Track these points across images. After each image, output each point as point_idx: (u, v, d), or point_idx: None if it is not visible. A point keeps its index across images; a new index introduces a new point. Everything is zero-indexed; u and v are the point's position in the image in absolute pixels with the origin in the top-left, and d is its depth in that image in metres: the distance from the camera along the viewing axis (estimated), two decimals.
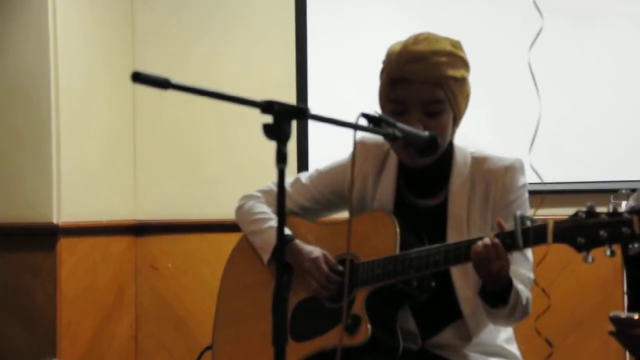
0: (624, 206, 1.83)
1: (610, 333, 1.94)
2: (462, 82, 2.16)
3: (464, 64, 2.16)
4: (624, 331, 1.91)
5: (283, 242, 1.55)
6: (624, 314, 1.93)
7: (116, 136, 4.03)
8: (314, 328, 2.20)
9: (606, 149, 3.35)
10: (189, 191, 4.03)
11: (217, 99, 1.50)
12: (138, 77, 1.38)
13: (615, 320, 1.93)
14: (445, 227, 2.19)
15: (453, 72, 2.12)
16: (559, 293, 3.37)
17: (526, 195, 2.21)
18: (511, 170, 2.18)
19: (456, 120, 2.19)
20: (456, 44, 2.16)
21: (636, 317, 1.91)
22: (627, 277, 2.18)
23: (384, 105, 2.19)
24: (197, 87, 1.46)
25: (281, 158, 1.53)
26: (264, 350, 1.59)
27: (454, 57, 2.13)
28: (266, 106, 1.53)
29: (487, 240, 1.92)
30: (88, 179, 3.83)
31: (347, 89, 3.71)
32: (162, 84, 1.40)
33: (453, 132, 2.21)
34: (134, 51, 4.11)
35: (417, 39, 2.13)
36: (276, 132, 1.53)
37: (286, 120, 1.54)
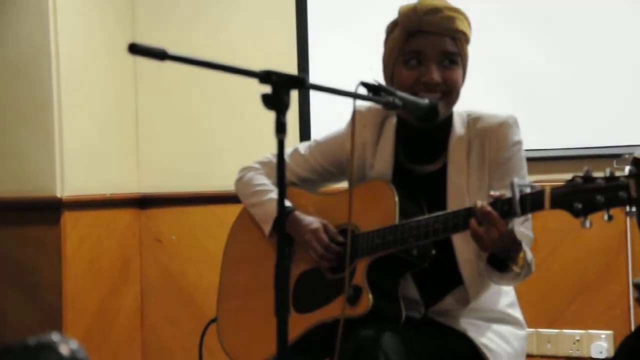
0: (626, 171, 1.81)
1: (637, 299, 1.94)
2: (468, 43, 2.19)
3: (469, 24, 2.19)
4: None
5: (284, 213, 1.55)
6: None
7: (118, 109, 4.03)
8: (316, 299, 2.21)
9: (605, 113, 3.34)
10: (191, 163, 4.04)
11: (215, 70, 1.49)
12: (135, 49, 1.37)
13: (638, 286, 1.92)
14: (445, 194, 2.19)
15: (464, 28, 2.16)
16: (563, 259, 3.37)
17: (522, 152, 2.20)
18: (504, 126, 2.18)
19: (462, 80, 2.20)
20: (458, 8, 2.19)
21: None
22: None
23: (396, 60, 2.19)
24: (194, 58, 1.45)
25: (280, 128, 1.52)
26: (268, 322, 1.60)
27: (463, 15, 2.17)
28: (264, 76, 1.52)
29: (486, 208, 1.90)
30: (91, 152, 3.83)
31: (348, 58, 3.70)
32: (159, 55, 1.39)
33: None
34: (134, 24, 4.10)
35: None
36: (275, 102, 1.52)
37: (285, 90, 1.53)
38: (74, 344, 0.97)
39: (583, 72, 3.38)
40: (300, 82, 1.56)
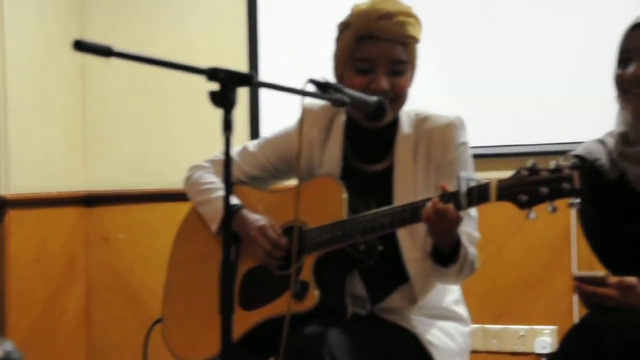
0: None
1: (575, 291, 1.97)
2: (417, 45, 2.21)
3: (420, 26, 2.21)
4: (588, 290, 1.94)
5: (230, 211, 1.56)
6: (589, 273, 1.95)
7: (65, 106, 3.98)
8: (262, 296, 2.21)
9: (552, 111, 3.39)
10: (140, 161, 4.00)
11: (161, 67, 1.49)
12: (80, 45, 1.37)
13: (580, 279, 1.96)
14: (391, 193, 2.21)
15: (415, 33, 2.18)
16: (509, 255, 3.41)
17: (468, 152, 2.23)
18: (451, 127, 2.21)
19: (410, 82, 2.23)
20: (411, 8, 2.21)
21: (601, 274, 1.94)
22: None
23: (346, 63, 2.20)
24: (139, 55, 1.45)
25: (227, 126, 1.54)
26: (213, 320, 1.60)
27: (415, 18, 2.19)
28: (212, 73, 1.53)
29: (439, 203, 1.93)
30: (36, 150, 3.78)
31: (299, 55, 3.70)
32: (104, 52, 1.39)
33: None
34: (85, 21, 4.05)
35: None
36: (222, 99, 1.53)
37: (232, 88, 1.54)
38: (9, 345, 0.96)
39: (530, 70, 3.42)
40: (248, 79, 1.57)
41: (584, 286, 1.95)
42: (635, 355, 1.79)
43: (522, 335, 3.43)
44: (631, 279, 1.93)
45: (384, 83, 2.16)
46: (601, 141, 2.18)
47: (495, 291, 3.45)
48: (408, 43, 2.17)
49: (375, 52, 2.15)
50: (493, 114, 3.47)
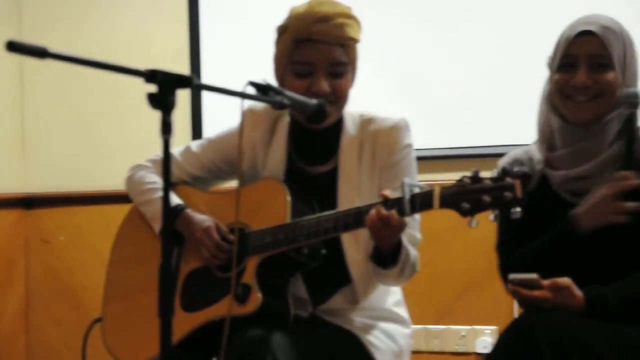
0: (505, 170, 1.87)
1: (511, 293, 2.00)
2: (357, 45, 2.21)
3: (359, 27, 2.21)
4: (523, 293, 1.97)
5: (169, 212, 1.55)
6: (523, 275, 1.98)
7: (3, 108, 3.92)
8: (205, 298, 2.20)
9: (494, 113, 3.43)
10: (80, 163, 3.96)
11: (98, 69, 1.47)
12: (13, 46, 1.35)
13: (515, 281, 1.99)
14: (335, 195, 2.21)
15: (354, 34, 2.17)
16: (451, 257, 3.44)
17: (412, 154, 2.25)
18: (396, 129, 2.22)
19: (352, 82, 2.23)
20: (350, 9, 2.20)
21: (534, 276, 1.97)
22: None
23: (286, 67, 2.20)
24: (76, 57, 1.43)
25: (166, 128, 1.53)
26: (153, 321, 1.58)
27: (354, 19, 2.19)
28: (150, 75, 1.52)
29: (383, 211, 1.94)
30: None
31: (242, 57, 3.68)
32: (39, 53, 1.37)
33: None
34: (22, 21, 3.99)
35: (319, 1, 2.16)
36: (160, 101, 1.52)
37: (171, 90, 1.53)
38: None
39: (473, 73, 3.45)
40: (187, 81, 1.56)
41: (519, 290, 1.98)
42: (567, 352, 1.82)
43: (464, 336, 3.46)
44: (564, 280, 1.96)
45: (324, 86, 2.16)
46: (525, 150, 2.21)
47: (438, 292, 3.47)
48: (347, 45, 2.17)
49: (314, 56, 2.15)
50: (436, 116, 3.49)
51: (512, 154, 2.23)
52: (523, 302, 2.01)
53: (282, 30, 2.21)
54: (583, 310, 1.95)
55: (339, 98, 2.19)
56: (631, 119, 2.03)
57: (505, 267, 2.18)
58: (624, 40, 2.09)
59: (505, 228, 2.19)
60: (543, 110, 2.19)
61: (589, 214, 2.00)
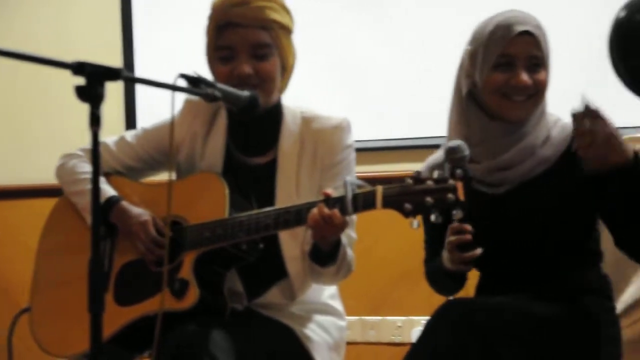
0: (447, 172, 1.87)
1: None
2: (288, 32, 2.21)
3: (287, 13, 2.21)
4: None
5: (98, 207, 1.53)
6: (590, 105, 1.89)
7: None
8: (139, 292, 2.17)
9: (434, 104, 3.45)
10: (7, 156, 3.90)
11: (23, 61, 1.44)
12: None
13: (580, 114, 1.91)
14: (274, 187, 2.21)
15: (278, 17, 2.17)
16: (386, 248, 3.46)
17: (353, 155, 2.26)
18: (338, 130, 2.22)
19: (285, 72, 2.23)
20: None
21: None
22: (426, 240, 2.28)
23: (212, 55, 2.20)
24: (1, 49, 1.39)
25: (95, 121, 1.50)
26: (84, 315, 1.55)
27: (277, 3, 2.19)
28: (77, 67, 1.49)
29: (325, 209, 1.94)
30: None
31: (177, 49, 3.64)
32: None
33: (284, 85, 2.26)
34: None
35: None
36: (88, 94, 1.50)
37: (99, 82, 1.51)
38: None
39: (415, 63, 3.46)
40: (115, 73, 1.54)
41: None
42: (491, 337, 1.87)
43: (400, 326, 3.48)
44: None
45: (246, 68, 2.15)
46: (441, 154, 2.21)
47: (373, 283, 3.49)
48: (271, 27, 2.16)
49: (234, 39, 2.15)
50: (376, 107, 3.50)
51: (429, 160, 2.24)
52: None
53: (208, 19, 2.21)
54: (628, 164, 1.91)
55: (263, 81, 2.17)
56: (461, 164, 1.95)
57: (426, 270, 2.24)
58: (547, 38, 2.12)
59: (430, 227, 2.20)
60: (461, 108, 2.16)
61: (445, 258, 2.02)
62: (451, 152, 1.92)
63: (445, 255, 2.01)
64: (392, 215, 1.93)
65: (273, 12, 2.16)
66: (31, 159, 3.85)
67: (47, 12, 3.87)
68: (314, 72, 3.40)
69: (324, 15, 3.52)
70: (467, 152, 1.93)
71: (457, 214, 1.85)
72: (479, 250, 1.94)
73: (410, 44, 3.47)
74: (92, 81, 1.50)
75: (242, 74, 2.14)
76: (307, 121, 2.24)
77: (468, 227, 1.93)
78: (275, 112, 2.24)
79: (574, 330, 2.00)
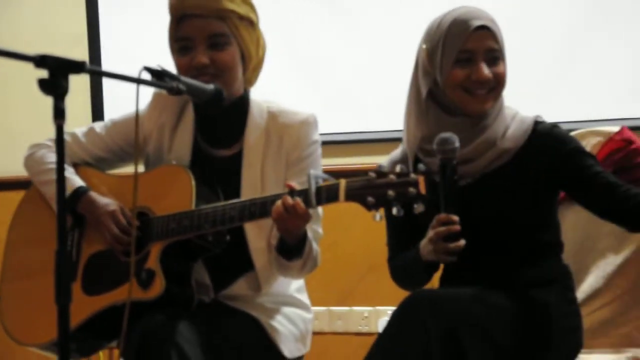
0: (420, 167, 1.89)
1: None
2: (248, 22, 2.20)
3: (246, 4, 2.20)
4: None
5: (64, 200, 1.55)
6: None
7: None
8: (107, 282, 2.18)
9: (396, 98, 3.47)
10: None
11: None
12: None
13: None
14: (239, 179, 2.22)
15: (234, 7, 2.17)
16: (353, 239, 3.48)
17: (319, 150, 2.27)
18: (305, 125, 2.23)
19: (246, 62, 2.22)
20: None
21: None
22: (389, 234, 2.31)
23: (173, 47, 2.21)
24: None
25: (59, 114, 1.50)
26: (52, 304, 1.57)
27: None
28: (40, 60, 1.49)
29: (289, 200, 1.96)
30: None
31: (144, 42, 3.63)
32: None
33: (252, 78, 2.26)
34: None
35: None
36: (52, 87, 1.50)
37: (63, 75, 1.51)
38: None
39: (377, 56, 3.47)
40: (79, 66, 1.54)
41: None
42: (454, 328, 1.89)
43: (366, 317, 3.51)
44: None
45: (202, 58, 2.15)
46: (402, 150, 2.24)
47: (340, 274, 3.51)
48: (227, 17, 2.16)
49: (190, 30, 2.16)
50: (339, 100, 3.52)
51: (390, 156, 2.26)
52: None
53: (168, 12, 2.22)
54: None
55: (221, 70, 2.17)
56: (446, 164, 1.99)
57: (392, 267, 2.26)
58: (501, 31, 2.14)
59: (392, 222, 2.22)
60: (419, 109, 2.17)
61: (425, 249, 2.03)
62: (442, 144, 1.96)
63: (426, 246, 2.02)
64: (359, 209, 1.95)
65: (229, 2, 2.15)
66: (1, 150, 3.82)
67: (12, 5, 3.86)
68: (282, 66, 3.40)
69: (291, 9, 3.53)
70: (457, 143, 1.96)
71: (419, 207, 1.87)
72: (463, 241, 1.96)
73: (376, 37, 3.48)
74: (56, 74, 1.50)
75: (198, 64, 2.14)
76: (273, 115, 2.25)
77: (455, 217, 1.95)
78: (242, 105, 2.24)
79: (528, 321, 2.03)
